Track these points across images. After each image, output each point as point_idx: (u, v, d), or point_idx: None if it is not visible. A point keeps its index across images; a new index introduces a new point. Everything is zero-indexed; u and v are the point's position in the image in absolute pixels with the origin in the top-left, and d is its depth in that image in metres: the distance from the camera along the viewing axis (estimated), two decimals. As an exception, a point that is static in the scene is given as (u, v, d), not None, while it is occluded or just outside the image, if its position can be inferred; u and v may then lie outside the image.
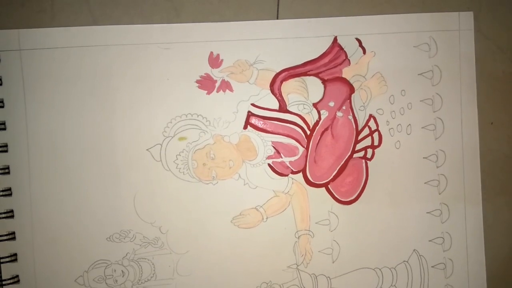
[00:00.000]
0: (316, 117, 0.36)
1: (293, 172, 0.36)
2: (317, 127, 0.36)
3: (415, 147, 0.36)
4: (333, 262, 0.36)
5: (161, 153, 0.35)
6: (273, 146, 0.36)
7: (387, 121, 0.36)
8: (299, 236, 0.36)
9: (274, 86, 0.35)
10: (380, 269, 0.37)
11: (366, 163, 0.36)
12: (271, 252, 0.36)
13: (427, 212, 0.37)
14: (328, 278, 0.36)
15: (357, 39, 0.35)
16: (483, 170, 0.37)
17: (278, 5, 0.36)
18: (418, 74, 0.36)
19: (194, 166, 0.35)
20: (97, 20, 0.34)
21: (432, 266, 0.37)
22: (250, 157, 0.35)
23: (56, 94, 0.34)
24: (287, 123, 0.35)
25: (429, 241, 0.37)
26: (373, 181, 0.36)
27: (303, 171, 0.36)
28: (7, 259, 0.34)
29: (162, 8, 0.35)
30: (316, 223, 0.36)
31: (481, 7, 0.37)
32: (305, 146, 0.36)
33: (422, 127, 0.36)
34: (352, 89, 0.36)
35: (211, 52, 0.35)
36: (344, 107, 0.36)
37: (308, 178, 0.36)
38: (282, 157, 0.36)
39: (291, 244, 0.36)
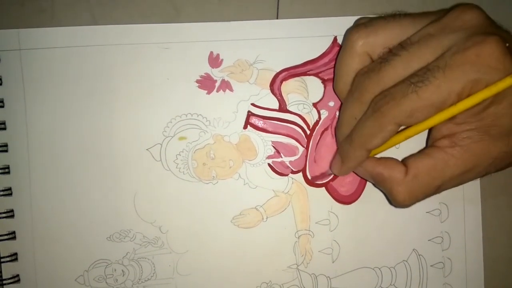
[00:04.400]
0: (316, 116, 0.36)
1: (293, 172, 0.36)
2: (317, 127, 0.36)
3: (414, 147, 0.36)
4: (333, 262, 0.36)
5: (161, 153, 0.35)
6: (273, 146, 0.36)
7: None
8: (299, 236, 0.36)
9: (274, 86, 0.35)
10: (379, 269, 0.37)
11: (366, 163, 0.36)
12: (271, 252, 0.36)
13: (426, 212, 0.37)
14: (328, 278, 0.36)
15: (357, 39, 0.35)
16: (482, 170, 0.37)
17: (278, 5, 0.36)
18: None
19: (194, 165, 0.35)
20: (97, 20, 0.34)
21: (431, 265, 0.37)
22: (250, 157, 0.35)
23: (56, 94, 0.34)
24: (287, 122, 0.36)
25: (428, 240, 0.37)
26: (373, 181, 0.36)
27: (303, 170, 0.36)
28: (8, 259, 0.34)
29: (162, 8, 0.35)
30: (316, 223, 0.36)
31: (481, 7, 0.36)
32: (305, 145, 0.36)
33: (421, 127, 0.36)
34: (352, 89, 0.36)
35: (211, 52, 0.35)
36: (344, 107, 0.36)
37: (308, 178, 0.36)
38: (282, 157, 0.36)
39: (291, 244, 0.36)
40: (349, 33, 0.31)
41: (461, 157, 0.29)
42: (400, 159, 0.31)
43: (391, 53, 0.29)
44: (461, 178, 0.30)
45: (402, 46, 0.28)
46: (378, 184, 0.32)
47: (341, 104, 0.32)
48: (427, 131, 0.33)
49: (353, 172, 0.33)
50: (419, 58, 0.27)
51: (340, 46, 0.35)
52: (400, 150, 0.36)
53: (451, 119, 0.29)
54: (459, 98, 0.27)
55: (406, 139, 0.30)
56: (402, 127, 0.30)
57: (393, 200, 0.31)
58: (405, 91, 0.27)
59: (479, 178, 0.37)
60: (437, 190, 0.30)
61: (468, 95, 0.27)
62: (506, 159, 0.30)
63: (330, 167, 0.35)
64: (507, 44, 0.26)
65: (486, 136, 0.29)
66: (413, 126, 0.29)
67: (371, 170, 0.31)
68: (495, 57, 0.26)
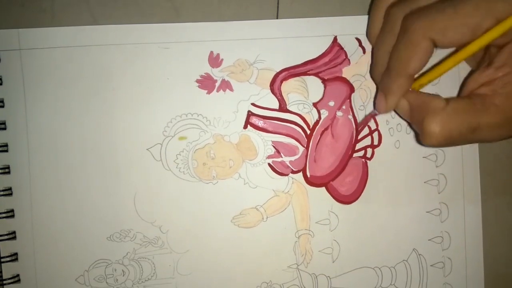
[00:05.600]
0: (316, 116, 0.36)
1: (293, 172, 0.36)
2: (317, 127, 0.36)
3: (414, 146, 0.36)
4: (333, 262, 0.36)
5: (161, 153, 0.35)
6: (273, 146, 0.36)
7: (386, 121, 0.36)
8: (299, 236, 0.36)
9: (274, 85, 0.35)
10: (379, 268, 0.37)
11: (366, 163, 0.36)
12: (271, 252, 0.36)
13: (426, 212, 0.37)
14: (328, 277, 0.36)
15: (357, 39, 0.35)
16: (482, 169, 0.37)
17: (278, 4, 0.36)
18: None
19: (194, 165, 0.35)
20: (97, 20, 0.34)
21: (431, 265, 0.37)
22: (250, 157, 0.35)
23: (56, 94, 0.34)
24: (287, 122, 0.36)
25: (429, 240, 0.37)
26: (373, 180, 0.36)
27: (303, 170, 0.36)
28: (8, 259, 0.34)
29: (162, 8, 0.35)
30: (316, 222, 0.36)
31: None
32: (305, 145, 0.36)
33: (421, 127, 0.36)
34: (352, 89, 0.36)
35: (211, 52, 0.35)
36: (344, 107, 0.36)
37: (308, 178, 0.36)
38: (282, 157, 0.36)
39: (291, 244, 0.36)
40: None
41: (502, 104, 0.28)
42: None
43: None
44: (498, 130, 0.28)
45: None
46: (415, 116, 0.30)
47: (372, 48, 0.32)
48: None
49: (395, 111, 0.31)
50: None
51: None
52: (400, 149, 0.36)
53: (489, 65, 0.28)
54: (496, 23, 0.25)
55: (454, 65, 0.28)
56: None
57: (424, 131, 0.29)
58: (441, 7, 0.26)
59: (479, 178, 0.37)
60: (472, 133, 0.28)
61: None
62: None
63: (375, 107, 0.33)
64: None
65: None
66: (457, 52, 0.28)
67: (413, 100, 0.30)
68: None
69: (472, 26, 0.26)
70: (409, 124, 0.34)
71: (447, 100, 0.29)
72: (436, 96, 0.29)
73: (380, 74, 0.31)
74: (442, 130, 0.28)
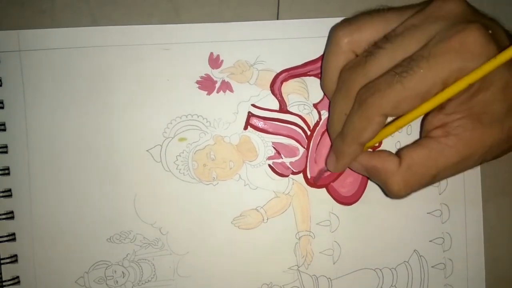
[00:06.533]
0: (316, 117, 0.36)
1: (293, 173, 0.36)
2: (318, 128, 0.36)
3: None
4: (334, 263, 0.36)
5: (161, 154, 0.35)
6: (273, 147, 0.36)
7: (387, 121, 0.36)
8: (299, 237, 0.36)
9: (275, 86, 0.35)
10: (380, 270, 0.37)
11: (367, 164, 0.36)
12: (271, 254, 0.36)
13: (427, 213, 0.37)
14: (329, 279, 0.36)
15: (357, 40, 0.35)
16: (483, 170, 0.37)
17: (278, 5, 0.36)
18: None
19: (194, 167, 0.35)
20: (97, 21, 0.34)
21: (432, 266, 0.37)
22: (251, 158, 0.35)
23: (56, 95, 0.34)
24: (287, 123, 0.35)
25: (429, 241, 0.37)
26: (374, 181, 0.36)
27: (304, 171, 0.36)
28: (8, 260, 0.34)
29: (162, 8, 0.35)
30: (316, 224, 0.36)
31: (483, 6, 0.36)
32: (305, 146, 0.36)
33: (422, 128, 0.36)
34: (352, 90, 0.36)
35: (211, 53, 0.35)
36: (344, 108, 0.36)
37: (309, 179, 0.36)
38: (282, 158, 0.36)
39: (291, 245, 0.36)
40: (333, 31, 0.30)
41: (455, 146, 0.29)
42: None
43: (376, 46, 0.28)
44: (457, 167, 0.30)
45: (387, 38, 0.28)
46: (373, 177, 0.32)
47: (329, 102, 0.32)
48: (420, 121, 0.33)
49: (348, 167, 0.33)
50: (404, 49, 0.27)
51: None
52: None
53: (441, 109, 0.29)
54: (444, 87, 0.26)
55: (397, 129, 0.30)
56: (392, 118, 0.30)
57: (388, 192, 0.31)
58: (390, 82, 0.27)
59: (480, 179, 0.37)
60: (433, 179, 0.30)
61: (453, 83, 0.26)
62: (503, 146, 0.29)
63: (326, 164, 0.35)
64: (490, 31, 0.26)
65: (479, 124, 0.28)
66: (402, 116, 0.29)
67: (365, 164, 0.31)
68: (479, 43, 0.26)
69: (422, 95, 0.27)
70: (369, 179, 0.35)
71: (400, 156, 0.30)
72: (388, 155, 0.31)
73: (335, 133, 0.32)
74: (404, 187, 0.30)
